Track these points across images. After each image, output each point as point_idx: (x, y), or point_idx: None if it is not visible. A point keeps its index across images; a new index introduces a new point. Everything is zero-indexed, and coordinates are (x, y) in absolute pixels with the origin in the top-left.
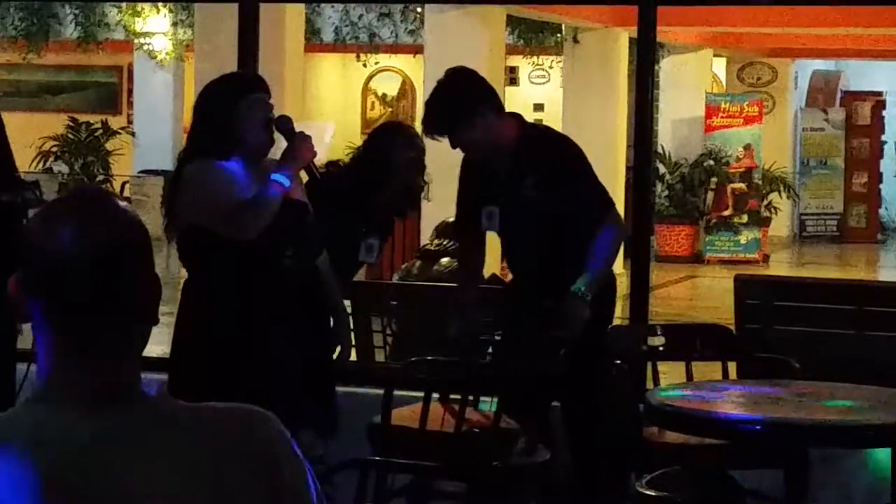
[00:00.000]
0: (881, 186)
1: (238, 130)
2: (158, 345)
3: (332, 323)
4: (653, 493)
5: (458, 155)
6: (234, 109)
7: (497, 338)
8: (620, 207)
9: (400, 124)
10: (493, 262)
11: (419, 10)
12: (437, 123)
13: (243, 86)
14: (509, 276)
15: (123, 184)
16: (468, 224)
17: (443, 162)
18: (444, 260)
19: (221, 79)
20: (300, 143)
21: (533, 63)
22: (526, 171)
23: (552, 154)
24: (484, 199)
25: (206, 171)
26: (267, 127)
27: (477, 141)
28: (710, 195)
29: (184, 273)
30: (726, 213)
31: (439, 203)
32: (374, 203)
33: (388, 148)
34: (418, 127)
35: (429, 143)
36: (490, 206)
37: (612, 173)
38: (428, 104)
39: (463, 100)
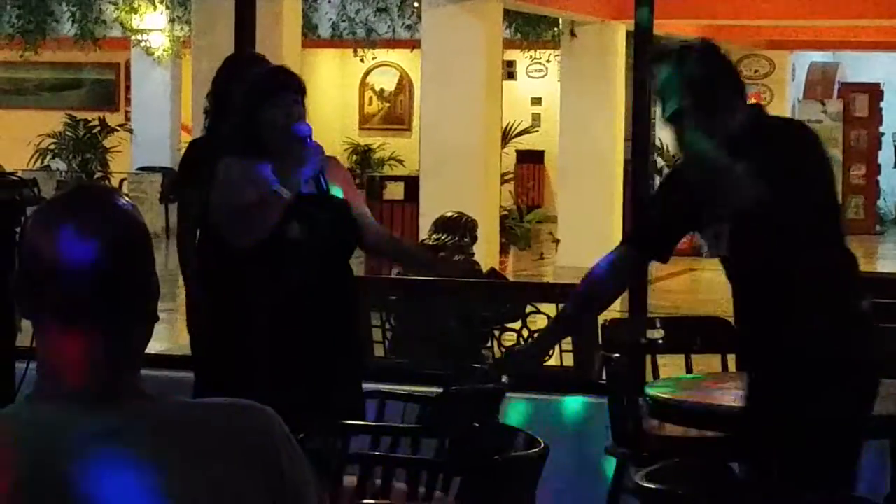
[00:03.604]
0: (879, 178)
1: (261, 134)
2: (158, 342)
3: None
4: (652, 486)
5: (450, 148)
6: (259, 112)
7: None
8: (619, 201)
9: (234, 55)
10: (491, 255)
11: (416, 4)
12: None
13: (268, 87)
14: (507, 270)
15: (122, 181)
16: (654, 242)
17: (436, 154)
18: (442, 255)
19: (254, 76)
20: (309, 154)
21: (530, 57)
22: None
23: None
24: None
25: (228, 170)
26: (289, 131)
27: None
28: None
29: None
30: None
31: (437, 198)
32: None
33: (227, 84)
34: (416, 123)
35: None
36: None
37: (610, 167)
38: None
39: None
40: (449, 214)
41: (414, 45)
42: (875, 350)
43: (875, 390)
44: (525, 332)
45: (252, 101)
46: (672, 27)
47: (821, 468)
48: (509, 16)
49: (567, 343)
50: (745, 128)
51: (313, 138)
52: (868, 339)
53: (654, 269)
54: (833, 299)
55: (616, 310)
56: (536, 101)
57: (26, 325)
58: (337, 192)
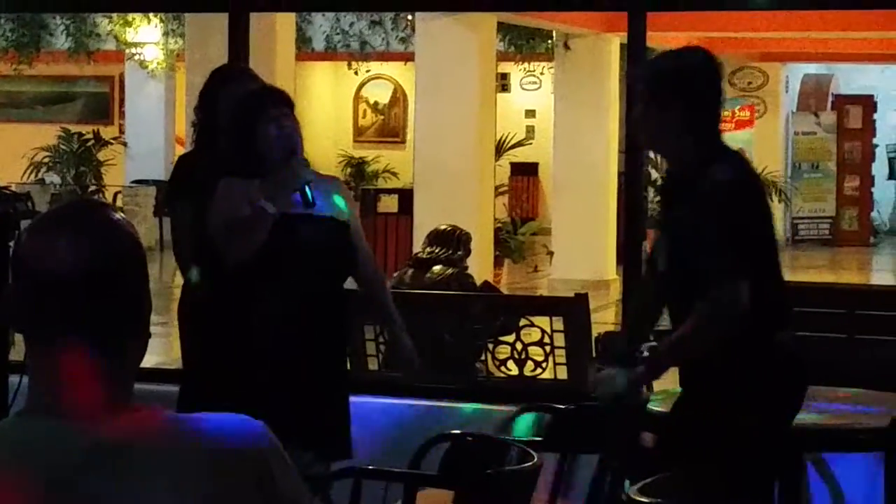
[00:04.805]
0: (873, 190)
1: (258, 150)
2: (150, 355)
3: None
4: (646, 500)
5: (444, 161)
6: (254, 129)
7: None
8: (613, 213)
9: (220, 69)
10: (485, 268)
11: (410, 17)
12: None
13: (260, 104)
14: (501, 282)
15: (116, 194)
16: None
17: (430, 166)
18: (436, 268)
19: (242, 96)
20: (295, 168)
21: (524, 69)
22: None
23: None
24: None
25: (226, 189)
26: (282, 142)
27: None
28: None
29: (177, 282)
30: None
31: (430, 210)
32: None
33: (214, 101)
34: (410, 136)
35: (417, 146)
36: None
37: (604, 179)
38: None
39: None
40: (443, 227)
41: (408, 57)
42: (788, 380)
43: (787, 414)
44: (519, 346)
45: (246, 119)
46: (666, 39)
47: (736, 482)
48: (503, 28)
49: (561, 356)
50: (694, 161)
51: (302, 152)
52: (781, 369)
53: None
54: (751, 331)
55: (611, 322)
56: (530, 113)
57: (19, 338)
58: (340, 202)
